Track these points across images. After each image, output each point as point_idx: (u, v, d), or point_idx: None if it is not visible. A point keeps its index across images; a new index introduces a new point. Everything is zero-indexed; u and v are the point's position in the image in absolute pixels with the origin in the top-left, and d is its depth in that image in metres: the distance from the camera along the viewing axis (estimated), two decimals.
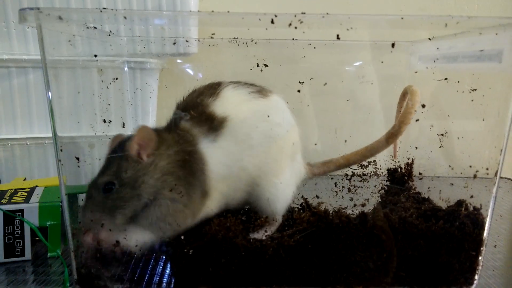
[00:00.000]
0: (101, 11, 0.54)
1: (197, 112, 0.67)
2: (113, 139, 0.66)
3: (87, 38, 0.70)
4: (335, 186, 0.83)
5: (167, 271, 0.63)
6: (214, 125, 0.66)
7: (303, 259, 0.61)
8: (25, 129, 0.93)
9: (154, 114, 0.98)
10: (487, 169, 0.62)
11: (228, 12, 0.55)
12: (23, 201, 0.73)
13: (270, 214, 0.70)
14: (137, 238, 0.61)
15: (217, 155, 0.65)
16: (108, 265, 0.61)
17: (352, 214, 0.66)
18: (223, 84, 0.71)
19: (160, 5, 0.95)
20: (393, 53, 0.72)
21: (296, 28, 0.55)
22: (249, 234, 0.65)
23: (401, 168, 0.87)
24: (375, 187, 0.85)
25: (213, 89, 0.70)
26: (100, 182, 0.60)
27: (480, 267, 0.63)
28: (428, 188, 0.80)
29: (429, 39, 0.77)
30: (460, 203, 0.68)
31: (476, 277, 0.63)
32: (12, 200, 0.73)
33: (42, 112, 0.93)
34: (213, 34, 0.71)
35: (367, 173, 0.85)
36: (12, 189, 0.79)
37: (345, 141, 0.80)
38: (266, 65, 0.76)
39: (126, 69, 0.88)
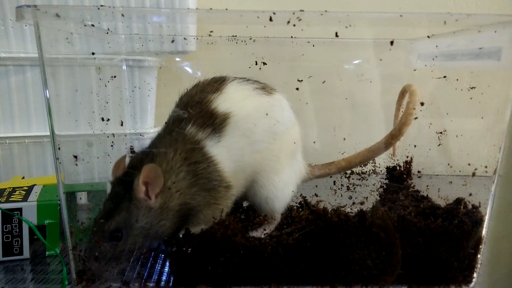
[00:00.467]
0: (98, 9, 0.54)
1: (199, 110, 0.66)
2: (116, 164, 0.63)
3: (84, 36, 0.69)
4: (334, 184, 0.83)
5: (167, 269, 0.63)
6: (217, 124, 0.65)
7: (302, 257, 0.61)
8: (23, 127, 0.93)
9: (153, 112, 0.98)
10: (485, 167, 0.62)
11: (227, 9, 0.55)
12: (21, 199, 0.73)
13: (268, 213, 0.70)
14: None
15: (224, 153, 0.65)
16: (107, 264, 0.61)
17: (351, 212, 0.66)
18: (228, 79, 0.70)
19: (158, 3, 0.95)
20: (392, 51, 0.72)
21: (294, 25, 0.55)
22: (248, 233, 0.65)
23: (400, 166, 0.87)
24: (374, 185, 0.85)
25: (217, 83, 0.69)
26: (106, 230, 0.58)
27: (478, 265, 0.63)
28: (427, 186, 0.80)
29: (428, 37, 0.77)
30: (459, 201, 0.68)
31: (475, 275, 0.63)
32: (10, 199, 0.73)
33: (40, 110, 0.93)
34: (211, 31, 0.71)
35: (366, 171, 0.85)
36: (10, 187, 0.79)
37: (344, 139, 0.80)
38: (264, 63, 0.76)
39: (124, 67, 0.88)
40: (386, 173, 0.88)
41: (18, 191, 0.77)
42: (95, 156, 0.71)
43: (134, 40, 0.85)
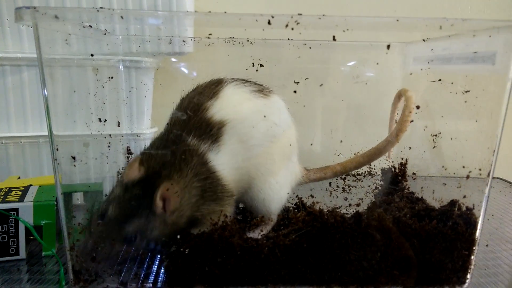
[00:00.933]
0: (98, 11, 0.54)
1: (198, 119, 0.67)
2: (130, 164, 0.64)
3: (82, 37, 0.69)
4: (330, 185, 0.83)
5: (164, 270, 0.63)
6: (214, 134, 0.66)
7: (298, 258, 0.62)
8: (19, 127, 0.93)
9: (149, 113, 0.98)
10: (480, 169, 0.63)
11: (225, 12, 0.55)
12: (17, 200, 0.73)
13: (265, 214, 0.70)
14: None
15: (225, 162, 0.66)
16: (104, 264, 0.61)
17: (346, 213, 0.66)
18: (225, 81, 0.71)
19: (156, 3, 0.95)
20: (387, 54, 0.73)
21: (292, 29, 0.56)
22: (245, 234, 0.65)
23: (395, 168, 0.88)
24: (369, 186, 0.86)
25: (214, 87, 0.70)
26: (123, 230, 0.59)
27: (472, 266, 0.64)
28: (422, 188, 0.81)
29: (423, 40, 0.77)
30: (453, 203, 0.69)
31: (469, 276, 0.64)
32: (6, 199, 0.73)
33: (36, 110, 0.93)
34: (210, 34, 0.71)
35: (361, 173, 0.86)
36: (6, 187, 0.79)
37: (341, 141, 0.81)
38: (261, 65, 0.76)
39: (121, 68, 0.88)
40: (381, 175, 0.88)
41: (14, 192, 0.77)
42: (92, 157, 0.71)
43: (132, 41, 0.86)
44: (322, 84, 0.79)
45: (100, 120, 0.75)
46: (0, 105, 0.91)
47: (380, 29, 0.60)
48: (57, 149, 0.59)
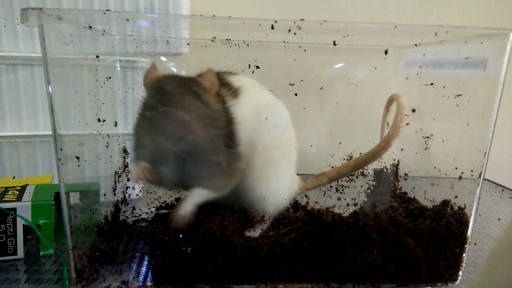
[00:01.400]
0: (104, 13, 0.55)
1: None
2: (148, 71, 0.68)
3: (80, 37, 0.70)
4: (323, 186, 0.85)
5: (165, 268, 0.64)
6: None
7: (297, 257, 0.63)
8: (14, 126, 0.92)
9: None
10: (471, 171, 0.66)
11: (230, 17, 0.56)
12: (15, 199, 0.73)
13: (264, 213, 0.71)
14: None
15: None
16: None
17: (342, 213, 0.68)
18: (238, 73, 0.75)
19: (152, 5, 0.95)
20: (381, 58, 0.75)
21: (295, 34, 0.57)
22: (245, 232, 0.67)
23: (387, 168, 0.90)
24: (361, 187, 0.88)
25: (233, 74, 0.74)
26: (173, 113, 0.61)
27: (464, 264, 0.66)
28: (413, 188, 0.83)
29: (416, 45, 0.80)
30: (446, 202, 0.71)
31: (460, 273, 0.66)
32: (4, 199, 0.73)
33: (31, 110, 0.93)
34: (214, 37, 0.72)
35: (354, 174, 0.88)
36: (2, 187, 0.79)
37: (340, 143, 0.82)
38: (257, 67, 0.78)
39: (118, 68, 0.88)
40: (373, 175, 0.90)
41: (11, 191, 0.77)
42: (93, 156, 0.71)
43: (128, 41, 0.86)
44: (322, 88, 0.81)
45: (99, 120, 0.75)
46: None
47: (379, 35, 0.62)
48: (61, 149, 0.59)
